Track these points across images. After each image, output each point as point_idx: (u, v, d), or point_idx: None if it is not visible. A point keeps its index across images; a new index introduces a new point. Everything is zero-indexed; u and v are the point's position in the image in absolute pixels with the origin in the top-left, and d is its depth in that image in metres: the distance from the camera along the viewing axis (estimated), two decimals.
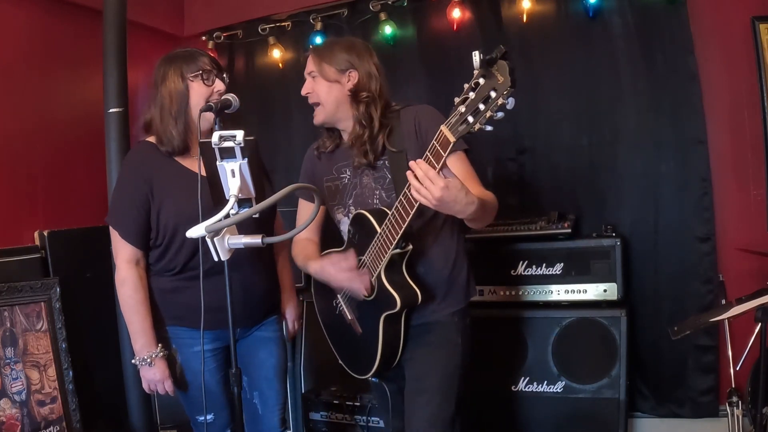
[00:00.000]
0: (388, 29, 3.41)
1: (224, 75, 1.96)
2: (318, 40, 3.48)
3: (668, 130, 2.99)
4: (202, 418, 1.92)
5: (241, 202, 1.53)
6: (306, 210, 2.09)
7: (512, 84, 1.38)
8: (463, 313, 1.98)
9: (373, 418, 2.83)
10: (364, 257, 1.86)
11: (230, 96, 1.83)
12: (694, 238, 2.94)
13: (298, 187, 1.65)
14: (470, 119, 1.45)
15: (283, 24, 3.69)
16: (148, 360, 1.91)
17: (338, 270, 1.85)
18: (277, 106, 3.78)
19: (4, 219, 2.78)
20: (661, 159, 3.00)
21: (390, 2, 3.39)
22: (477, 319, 2.09)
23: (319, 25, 3.53)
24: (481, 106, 1.43)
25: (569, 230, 2.86)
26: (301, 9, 3.60)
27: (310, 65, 1.93)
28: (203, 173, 1.61)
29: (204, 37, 3.81)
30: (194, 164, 1.91)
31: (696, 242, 2.94)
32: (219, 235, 1.49)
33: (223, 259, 1.52)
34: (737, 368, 2.75)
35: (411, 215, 1.66)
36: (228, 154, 1.50)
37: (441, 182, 1.52)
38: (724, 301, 2.77)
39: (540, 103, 3.21)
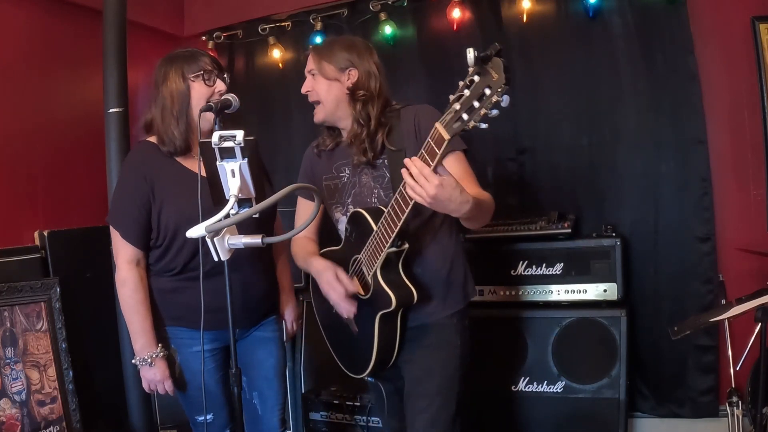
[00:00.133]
0: (388, 29, 3.41)
1: (225, 75, 1.96)
2: (318, 40, 3.48)
3: (668, 130, 2.99)
4: (202, 418, 1.92)
5: (241, 202, 1.53)
6: (305, 209, 2.09)
7: (507, 81, 1.37)
8: (461, 315, 1.98)
9: (373, 418, 2.83)
10: (361, 256, 1.86)
11: (230, 96, 1.83)
12: (694, 238, 2.94)
13: (298, 187, 1.65)
14: (465, 116, 1.45)
15: (283, 24, 3.69)
16: (149, 360, 1.91)
17: (331, 288, 1.86)
18: (277, 106, 3.77)
19: (4, 219, 2.77)
20: (661, 159, 3.00)
21: (390, 2, 3.39)
22: (477, 319, 2.09)
23: (319, 25, 3.53)
24: (476, 104, 1.42)
25: (569, 230, 2.86)
26: (301, 9, 3.60)
27: (310, 63, 1.94)
28: (203, 173, 1.61)
29: (204, 37, 3.81)
30: (195, 164, 1.91)
31: (696, 242, 2.94)
32: (219, 235, 1.49)
33: (223, 259, 1.52)
34: (737, 368, 2.76)
35: (406, 213, 1.66)
36: (228, 154, 1.50)
37: (435, 180, 1.52)
38: (724, 301, 2.77)
39: (540, 103, 3.21)
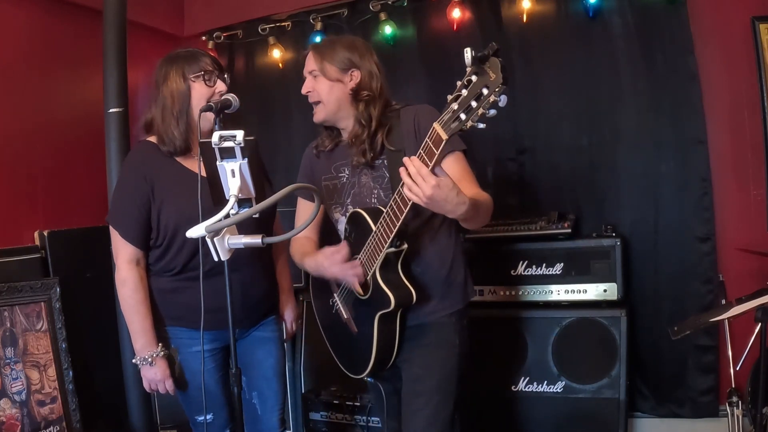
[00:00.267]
0: (388, 29, 3.41)
1: (225, 75, 1.96)
2: (318, 40, 3.48)
3: (668, 130, 2.99)
4: (201, 418, 1.93)
5: (241, 202, 1.53)
6: (305, 209, 2.09)
7: (504, 81, 1.37)
8: (461, 314, 1.98)
9: (373, 418, 2.83)
10: (360, 256, 1.86)
11: (230, 96, 1.83)
12: (694, 238, 2.94)
13: (298, 187, 1.65)
14: (462, 116, 1.45)
15: (283, 24, 3.69)
16: (149, 359, 1.91)
17: (332, 262, 1.85)
18: (277, 106, 3.77)
19: (4, 219, 2.77)
20: (661, 159, 3.00)
21: (390, 2, 3.39)
22: (477, 319, 2.09)
23: (319, 25, 3.53)
24: (474, 104, 1.42)
25: (569, 230, 2.86)
26: (301, 9, 3.60)
27: (311, 64, 1.93)
28: (203, 173, 1.61)
29: (204, 37, 3.81)
30: (195, 164, 1.91)
31: (696, 242, 2.94)
32: (219, 235, 1.49)
33: (223, 259, 1.52)
34: (737, 368, 2.76)
35: (405, 213, 1.65)
36: (228, 154, 1.50)
37: (432, 180, 1.52)
38: (724, 301, 2.77)
39: (540, 103, 3.21)
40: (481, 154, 3.17)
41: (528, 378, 2.86)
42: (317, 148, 2.06)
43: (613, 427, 2.70)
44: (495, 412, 2.90)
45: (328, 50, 1.92)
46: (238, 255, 1.59)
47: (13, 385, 2.49)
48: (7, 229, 2.77)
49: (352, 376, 2.05)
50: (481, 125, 1.44)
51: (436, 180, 1.52)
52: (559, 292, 2.87)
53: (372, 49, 1.97)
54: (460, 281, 1.99)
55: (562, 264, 2.86)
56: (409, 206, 1.63)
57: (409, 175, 1.54)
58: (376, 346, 1.87)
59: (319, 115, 1.95)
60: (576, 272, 2.84)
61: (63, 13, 3.10)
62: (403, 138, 1.87)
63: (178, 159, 1.94)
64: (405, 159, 1.56)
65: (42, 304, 2.67)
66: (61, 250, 2.84)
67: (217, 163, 1.52)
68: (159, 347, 1.93)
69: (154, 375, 1.92)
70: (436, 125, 1.51)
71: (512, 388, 2.88)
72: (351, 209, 1.93)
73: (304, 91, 1.95)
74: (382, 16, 3.41)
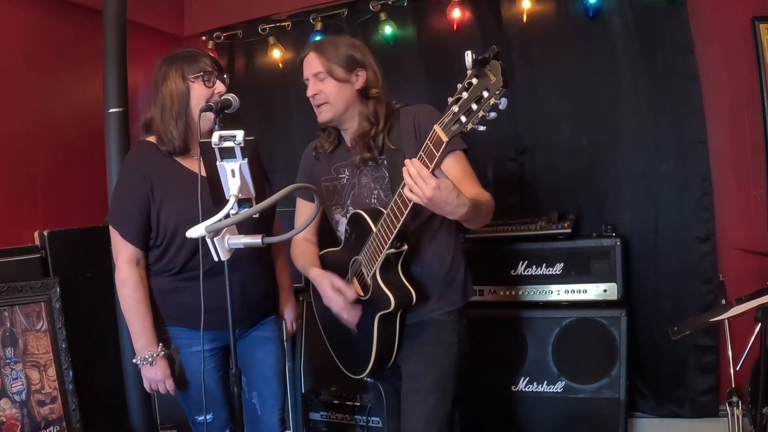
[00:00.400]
0: (388, 29, 3.41)
1: (225, 76, 1.96)
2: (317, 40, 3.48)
3: (668, 130, 2.99)
4: (201, 418, 1.93)
5: (241, 202, 1.53)
6: (305, 210, 2.09)
7: (505, 84, 1.37)
8: (459, 313, 1.98)
9: (373, 418, 2.83)
10: (360, 257, 1.86)
11: (230, 96, 1.83)
12: (694, 238, 2.94)
13: (298, 187, 1.65)
14: (463, 119, 1.45)
15: (283, 24, 3.69)
16: (150, 359, 1.91)
17: (333, 297, 1.86)
18: (277, 106, 3.77)
19: (4, 219, 2.77)
20: (661, 159, 3.00)
21: (390, 2, 3.39)
22: (477, 319, 2.09)
23: (319, 25, 3.53)
24: (474, 106, 1.43)
25: (569, 230, 2.86)
26: (301, 9, 3.60)
27: (316, 66, 1.90)
28: (203, 173, 1.61)
29: (204, 37, 3.81)
30: (194, 164, 1.91)
31: (696, 242, 2.94)
32: (219, 235, 1.49)
33: (223, 259, 1.52)
34: (737, 368, 2.75)
35: (405, 214, 1.66)
36: (228, 154, 1.50)
37: (433, 182, 1.53)
38: (724, 301, 2.77)
39: (540, 103, 3.21)
40: (481, 154, 3.17)
41: (528, 378, 2.86)
42: (316, 151, 2.06)
43: (613, 427, 2.70)
44: (495, 412, 2.89)
45: (332, 51, 1.90)
46: (238, 255, 1.59)
47: (13, 385, 2.49)
48: (7, 229, 2.77)
49: (351, 376, 2.05)
50: (482, 128, 1.45)
51: (436, 182, 1.53)
52: (559, 292, 2.87)
53: (368, 48, 1.98)
54: (460, 280, 1.99)
55: (562, 264, 2.86)
56: (409, 207, 1.63)
57: (410, 175, 1.55)
58: (376, 346, 1.87)
59: (326, 114, 1.93)
60: (576, 272, 2.84)
61: (63, 13, 3.10)
62: (403, 137, 1.88)
63: (178, 159, 1.94)
64: (406, 161, 1.57)
65: (42, 304, 2.67)
66: (61, 250, 2.84)
67: (217, 163, 1.52)
68: (159, 347, 1.93)
69: (155, 375, 1.92)
70: (436, 127, 1.52)
71: (512, 388, 2.88)
72: (351, 210, 1.94)
73: (310, 93, 1.93)
74: (382, 16, 3.41)
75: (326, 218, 2.10)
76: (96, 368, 2.88)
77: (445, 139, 1.50)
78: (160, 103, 1.92)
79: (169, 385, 1.94)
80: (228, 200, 1.50)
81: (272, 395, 2.10)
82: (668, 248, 2.99)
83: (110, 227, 1.93)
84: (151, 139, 1.96)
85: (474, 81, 1.42)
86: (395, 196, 1.68)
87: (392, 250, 1.77)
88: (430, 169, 1.54)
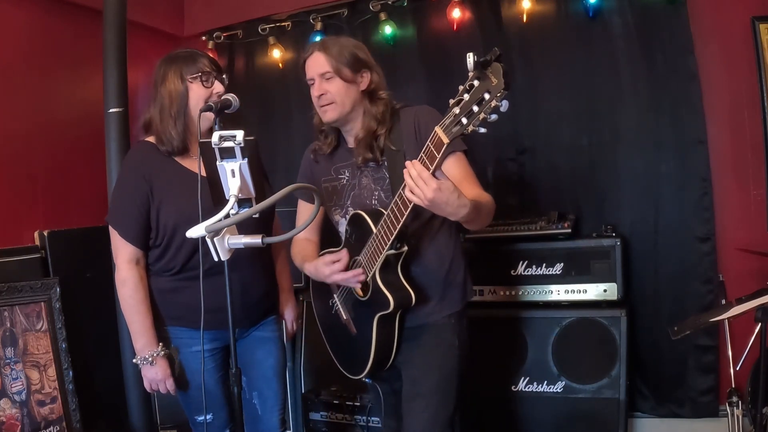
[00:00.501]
0: (388, 29, 3.41)
1: (223, 77, 1.96)
2: (318, 40, 3.48)
3: (668, 130, 2.98)
4: (201, 418, 1.93)
5: (241, 202, 1.53)
6: (305, 210, 2.09)
7: (506, 86, 1.37)
8: (459, 315, 1.98)
9: (373, 418, 2.83)
10: (360, 257, 1.86)
11: (230, 96, 1.83)
12: (694, 238, 2.94)
13: (298, 187, 1.65)
14: (464, 121, 1.45)
15: (283, 24, 3.69)
16: (150, 359, 1.91)
17: (332, 271, 1.86)
18: (277, 106, 3.77)
19: (4, 219, 2.77)
20: (661, 159, 3.00)
21: (390, 2, 3.39)
22: (477, 319, 2.09)
23: (319, 25, 3.53)
24: (475, 108, 1.43)
25: (569, 230, 2.86)
26: (301, 9, 3.60)
27: (324, 65, 1.88)
28: (203, 173, 1.61)
29: (204, 37, 3.81)
30: (194, 164, 1.92)
31: (696, 242, 2.94)
32: (219, 235, 1.49)
33: (223, 259, 1.52)
34: (737, 368, 2.75)
35: (405, 215, 1.66)
36: (228, 154, 1.50)
37: (434, 183, 1.53)
38: (724, 301, 2.77)
39: (540, 103, 3.21)
40: (481, 154, 3.17)
41: (528, 378, 2.86)
42: (315, 153, 2.06)
43: (613, 427, 2.70)
44: (495, 412, 2.90)
45: (338, 51, 1.89)
46: (238, 255, 1.59)
47: (13, 385, 2.49)
48: (7, 229, 2.77)
49: (350, 376, 2.05)
50: (483, 129, 1.45)
51: (437, 183, 1.53)
52: (559, 292, 2.87)
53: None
54: (459, 282, 1.99)
55: (562, 264, 2.86)
56: (410, 209, 1.63)
57: (411, 177, 1.55)
58: (375, 347, 1.87)
59: (332, 114, 1.91)
60: (576, 272, 2.84)
61: (63, 13, 3.10)
62: (403, 138, 1.88)
63: (177, 159, 1.95)
64: (407, 162, 1.57)
65: (42, 304, 2.67)
66: (61, 250, 2.84)
67: (217, 163, 1.52)
68: (159, 347, 1.93)
69: (155, 375, 1.92)
70: (437, 129, 1.52)
71: (512, 388, 2.88)
72: (351, 211, 1.94)
73: (316, 93, 1.90)
74: (382, 16, 3.41)
75: (327, 219, 2.10)
76: (96, 368, 2.87)
77: (446, 140, 1.50)
78: (159, 104, 1.92)
79: (170, 385, 1.94)
80: (228, 200, 1.50)
81: (272, 395, 2.10)
82: (668, 248, 2.99)
83: (110, 227, 1.93)
84: (151, 139, 1.97)
85: (475, 83, 1.42)
86: (396, 197, 1.68)
87: (392, 251, 1.77)
88: (431, 171, 1.54)
